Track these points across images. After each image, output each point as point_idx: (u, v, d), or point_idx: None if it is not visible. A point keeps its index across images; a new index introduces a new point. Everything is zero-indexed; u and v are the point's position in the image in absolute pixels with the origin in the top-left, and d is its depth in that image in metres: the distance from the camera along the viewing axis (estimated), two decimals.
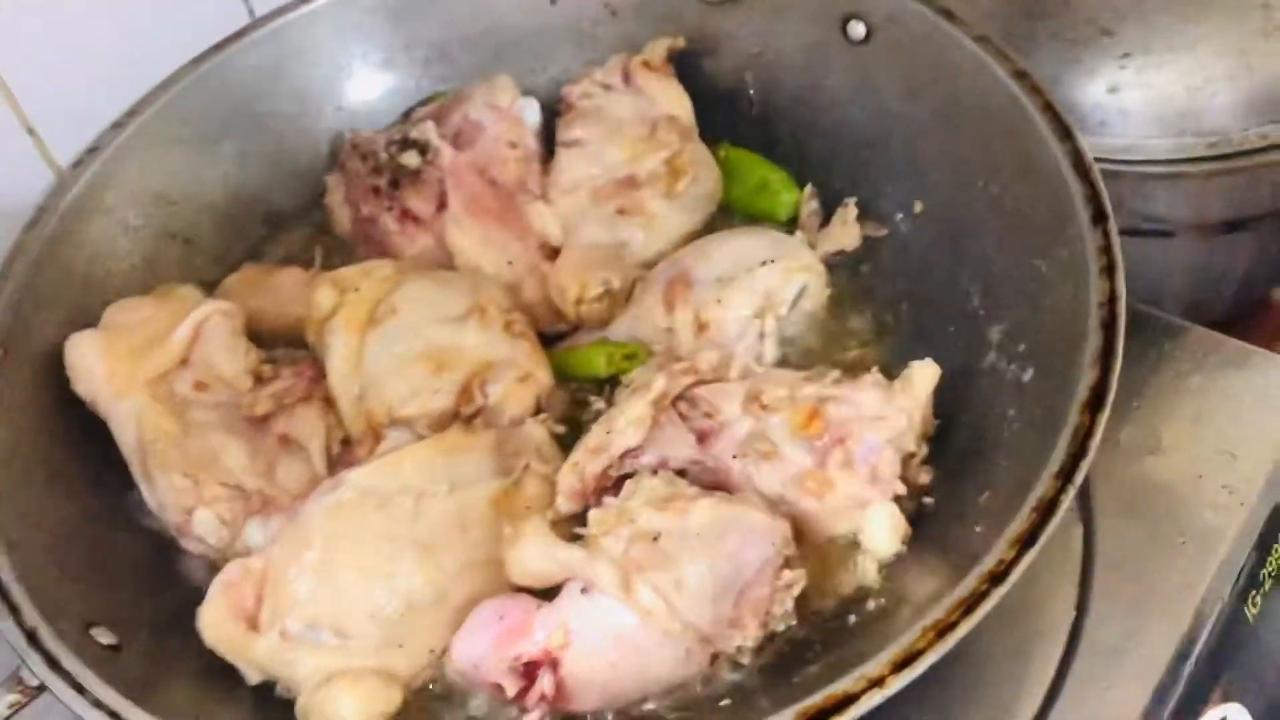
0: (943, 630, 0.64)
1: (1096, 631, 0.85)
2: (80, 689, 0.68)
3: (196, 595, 0.80)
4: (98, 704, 0.68)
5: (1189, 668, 0.84)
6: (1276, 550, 0.92)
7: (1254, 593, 0.90)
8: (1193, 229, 1.26)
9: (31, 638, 0.71)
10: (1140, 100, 1.16)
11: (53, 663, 0.70)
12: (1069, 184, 0.82)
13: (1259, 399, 0.95)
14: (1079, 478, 0.68)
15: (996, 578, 0.66)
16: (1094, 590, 0.87)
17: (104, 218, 0.98)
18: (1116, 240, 0.78)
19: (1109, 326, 0.74)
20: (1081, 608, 0.86)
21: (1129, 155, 1.15)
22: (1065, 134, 0.84)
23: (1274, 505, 0.92)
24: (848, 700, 0.62)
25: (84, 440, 0.88)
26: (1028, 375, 0.80)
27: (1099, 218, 0.79)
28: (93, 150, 0.98)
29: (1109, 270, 0.76)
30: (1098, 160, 0.84)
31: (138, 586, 0.83)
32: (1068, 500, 0.67)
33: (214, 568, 0.84)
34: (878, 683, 0.62)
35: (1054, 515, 0.67)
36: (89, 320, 0.92)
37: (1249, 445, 0.93)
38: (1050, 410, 0.74)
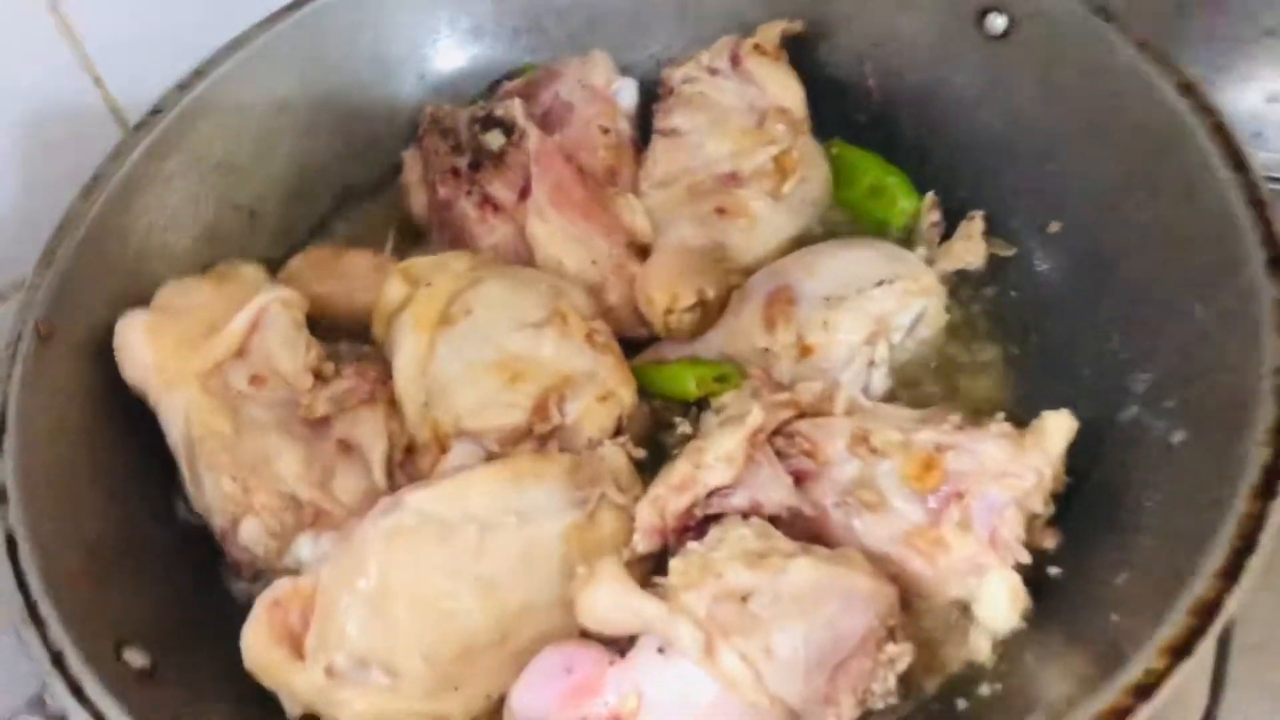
0: None
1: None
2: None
3: (240, 609, 0.74)
4: None
5: None
6: None
7: None
8: None
9: (57, 660, 0.65)
10: None
11: (77, 691, 0.64)
12: (1239, 220, 0.71)
13: None
14: (1246, 579, 0.59)
15: (1143, 691, 0.57)
16: (1229, 677, 0.77)
17: (164, 186, 0.91)
18: None
19: None
20: (1215, 695, 0.76)
21: None
22: (1239, 163, 0.73)
23: None
24: None
25: (131, 432, 0.82)
26: (1177, 438, 0.71)
27: (1277, 265, 0.69)
28: (156, 112, 0.91)
29: None
30: None
31: (179, 595, 0.77)
32: (1231, 605, 0.58)
33: (260, 576, 0.78)
34: None
35: (1214, 621, 0.58)
36: (142, 298, 0.86)
37: None
38: (1208, 487, 0.64)
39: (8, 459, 0.73)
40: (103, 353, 0.83)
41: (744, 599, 0.67)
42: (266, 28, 0.95)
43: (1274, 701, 0.75)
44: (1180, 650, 0.57)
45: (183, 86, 0.92)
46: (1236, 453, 0.63)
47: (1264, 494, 0.61)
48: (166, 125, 0.91)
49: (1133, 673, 0.57)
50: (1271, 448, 0.62)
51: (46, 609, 0.67)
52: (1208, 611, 0.58)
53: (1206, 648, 0.57)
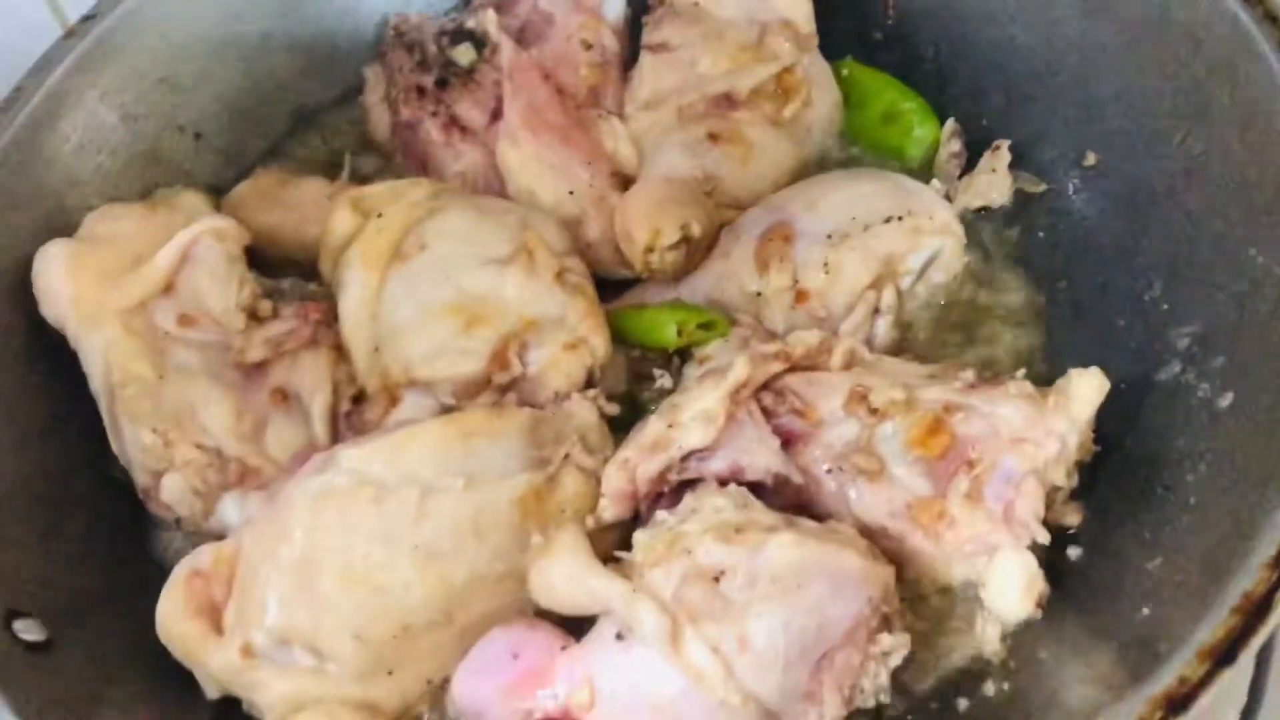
0: None
1: None
2: None
3: (164, 574, 0.66)
4: None
5: None
6: None
7: None
8: None
9: None
10: None
11: None
12: None
13: None
14: None
15: (1176, 704, 0.48)
16: (1267, 692, 0.68)
17: (97, 102, 0.82)
18: None
19: None
20: (1255, 696, 0.67)
21: None
22: None
23: None
24: None
25: (53, 375, 0.74)
26: (1225, 401, 0.62)
27: None
28: (89, 19, 0.82)
29: None
30: None
31: (94, 557, 0.70)
32: None
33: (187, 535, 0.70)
34: None
35: (1264, 621, 0.49)
36: (71, 228, 0.77)
37: None
38: (1260, 460, 0.55)
39: None
40: (24, 287, 0.75)
41: (716, 579, 0.58)
42: None
43: None
44: (1222, 655, 0.48)
45: None
46: None
47: None
48: (100, 34, 0.82)
49: (1165, 680, 0.48)
50: None
51: None
52: (1256, 609, 0.49)
53: (1251, 652, 0.48)
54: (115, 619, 0.66)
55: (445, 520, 0.63)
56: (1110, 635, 0.56)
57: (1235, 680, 0.66)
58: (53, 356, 0.75)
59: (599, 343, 0.72)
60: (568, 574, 0.61)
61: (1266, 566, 0.50)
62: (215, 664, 0.62)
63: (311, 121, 0.92)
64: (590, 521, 0.66)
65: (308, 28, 0.91)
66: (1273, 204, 0.63)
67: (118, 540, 0.72)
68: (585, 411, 0.70)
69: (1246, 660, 0.62)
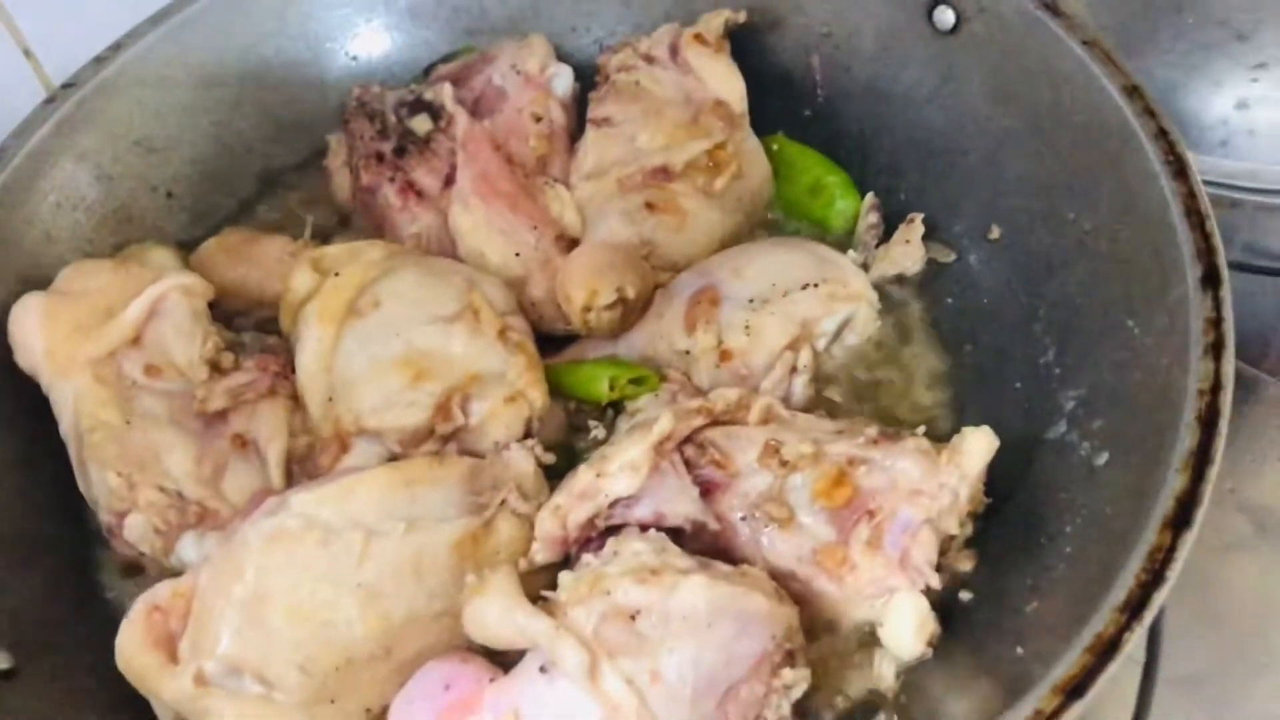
0: None
1: None
2: None
3: (120, 611, 0.71)
4: None
5: None
6: None
7: None
8: None
9: None
10: (1272, 119, 1.00)
11: None
12: (1178, 233, 0.68)
13: None
14: (1149, 615, 0.56)
15: None
16: (1153, 706, 0.74)
17: (76, 163, 0.88)
18: (1230, 313, 0.64)
19: (1209, 424, 0.60)
20: None
21: (1251, 182, 1.01)
22: (1180, 170, 0.70)
23: None
24: None
25: (21, 418, 0.79)
26: (1102, 460, 0.67)
27: (1211, 281, 0.65)
28: (68, 86, 0.88)
29: (1216, 350, 0.63)
30: (1213, 185, 0.69)
31: (56, 592, 0.74)
32: (1130, 643, 0.55)
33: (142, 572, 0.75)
34: None
35: (1112, 660, 0.55)
36: (47, 280, 0.82)
37: None
38: (1123, 514, 0.61)
39: None
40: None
41: (633, 618, 0.63)
42: (191, 0, 0.92)
43: None
44: (1074, 689, 0.54)
45: (99, 60, 0.89)
46: (1155, 477, 0.60)
47: (1176, 524, 0.58)
48: (79, 99, 0.88)
49: (1022, 711, 0.54)
50: (1188, 474, 0.59)
51: None
52: (1105, 651, 0.55)
53: (1099, 688, 0.54)
54: (78, 650, 0.70)
55: (387, 562, 0.68)
56: (992, 671, 0.61)
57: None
58: (24, 399, 0.79)
59: (537, 396, 0.77)
60: (498, 612, 0.66)
61: (1117, 610, 0.56)
62: (170, 691, 0.66)
63: (276, 183, 0.97)
64: (523, 564, 0.71)
65: (275, 95, 0.97)
66: (1146, 278, 0.69)
67: (83, 577, 0.76)
68: (522, 460, 0.75)
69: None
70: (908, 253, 0.85)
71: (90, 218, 0.88)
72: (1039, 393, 0.75)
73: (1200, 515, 0.58)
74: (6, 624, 0.68)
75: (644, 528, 0.70)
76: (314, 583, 0.67)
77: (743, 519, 0.71)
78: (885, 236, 0.87)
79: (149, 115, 0.91)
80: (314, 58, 0.98)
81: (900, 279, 0.85)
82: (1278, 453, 0.84)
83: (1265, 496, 0.83)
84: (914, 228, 0.85)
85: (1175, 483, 0.59)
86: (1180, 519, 0.58)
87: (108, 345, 0.78)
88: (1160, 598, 0.56)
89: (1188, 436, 0.60)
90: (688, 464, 0.72)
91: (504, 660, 0.67)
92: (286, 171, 0.98)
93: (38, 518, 0.77)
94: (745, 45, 0.94)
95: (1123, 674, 0.73)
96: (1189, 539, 0.57)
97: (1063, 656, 0.55)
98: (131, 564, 0.77)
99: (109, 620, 0.70)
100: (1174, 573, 0.56)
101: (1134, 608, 0.56)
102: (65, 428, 0.78)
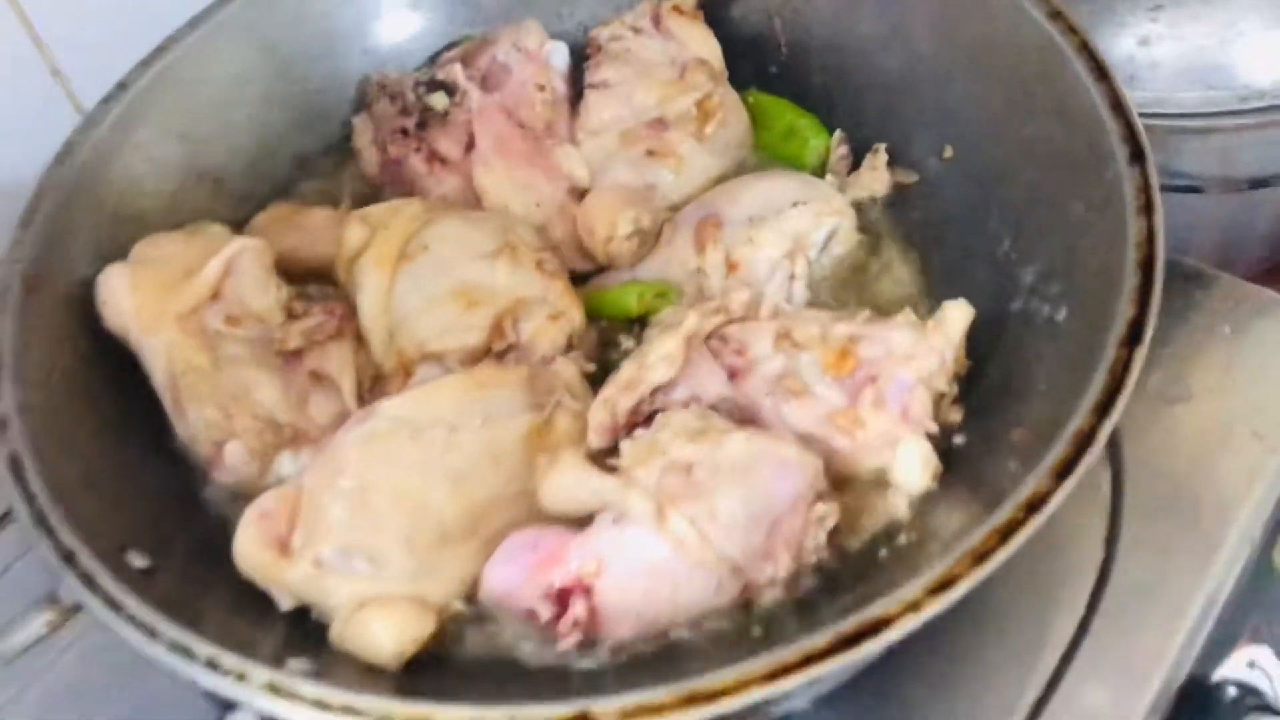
0: (979, 557, 0.64)
1: (1125, 575, 0.85)
2: (116, 606, 0.68)
3: (225, 529, 0.81)
4: (133, 620, 0.68)
5: (1217, 610, 0.84)
6: None
7: None
8: (1221, 185, 1.25)
9: (69, 559, 0.71)
10: (1171, 53, 1.15)
11: (89, 581, 0.70)
12: (1105, 124, 0.81)
13: None
14: (1117, 411, 0.68)
15: (1033, 506, 0.66)
16: (1123, 535, 0.87)
17: (133, 153, 0.98)
18: (1155, 178, 0.77)
19: (1147, 265, 0.74)
20: (1110, 551, 0.86)
21: (1159, 109, 1.15)
22: (1101, 74, 0.83)
23: None
24: (884, 623, 0.62)
25: (117, 374, 0.88)
26: (1061, 315, 0.80)
27: (1137, 156, 0.79)
28: (122, 86, 0.98)
29: (1147, 208, 0.76)
30: None
31: (169, 517, 0.83)
32: (1106, 431, 0.67)
33: (244, 500, 0.84)
34: (913, 606, 0.63)
35: (1092, 446, 0.67)
36: (119, 256, 0.92)
37: (1278, 395, 0.93)
38: (1086, 347, 0.73)
39: (7, 393, 0.79)
40: (86, 306, 0.89)
41: (688, 470, 0.75)
42: (221, 6, 1.03)
43: (1161, 554, 0.85)
44: (1064, 471, 0.66)
45: (145, 63, 0.99)
46: (1108, 314, 0.73)
47: (1131, 341, 0.70)
48: (131, 99, 0.98)
49: (1024, 493, 0.66)
50: (1135, 305, 0.72)
51: (55, 518, 0.73)
52: (1086, 440, 0.67)
53: (1085, 467, 0.66)
54: (199, 557, 0.80)
55: (469, 452, 0.79)
56: (988, 485, 0.73)
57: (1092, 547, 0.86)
58: (111, 362, 0.89)
59: (575, 314, 0.89)
60: (572, 479, 0.77)
61: (1092, 411, 0.68)
62: (292, 577, 0.76)
63: (308, 167, 1.08)
64: (581, 450, 0.82)
65: (302, 88, 1.08)
66: (1083, 166, 0.82)
67: (186, 503, 0.86)
68: (569, 370, 0.87)
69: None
70: (875, 178, 0.98)
71: (151, 203, 0.98)
72: (1001, 276, 0.87)
73: (1148, 334, 0.71)
74: (141, 531, 0.77)
75: (684, 406, 0.81)
76: (409, 472, 0.77)
77: (766, 395, 0.82)
78: (854, 166, 1.00)
79: (191, 111, 1.01)
80: (330, 53, 1.09)
81: (871, 201, 0.98)
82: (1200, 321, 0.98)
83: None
84: (878, 156, 0.98)
85: (1127, 312, 0.72)
86: (1133, 337, 0.70)
87: (191, 301, 0.87)
88: (1123, 400, 0.69)
89: (1133, 275, 0.73)
90: (712, 354, 0.84)
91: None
92: (315, 156, 1.08)
93: (143, 457, 0.86)
94: (715, 15, 1.07)
95: (1096, 507, 0.88)
96: (1141, 353, 0.70)
97: (1050, 451, 0.68)
98: (230, 492, 0.86)
99: (222, 536, 0.80)
100: (1132, 378, 0.69)
101: (1104, 408, 0.68)
102: (159, 379, 0.87)
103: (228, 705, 0.68)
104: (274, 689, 0.64)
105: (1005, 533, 0.65)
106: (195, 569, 0.79)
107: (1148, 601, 0.84)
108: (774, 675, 0.61)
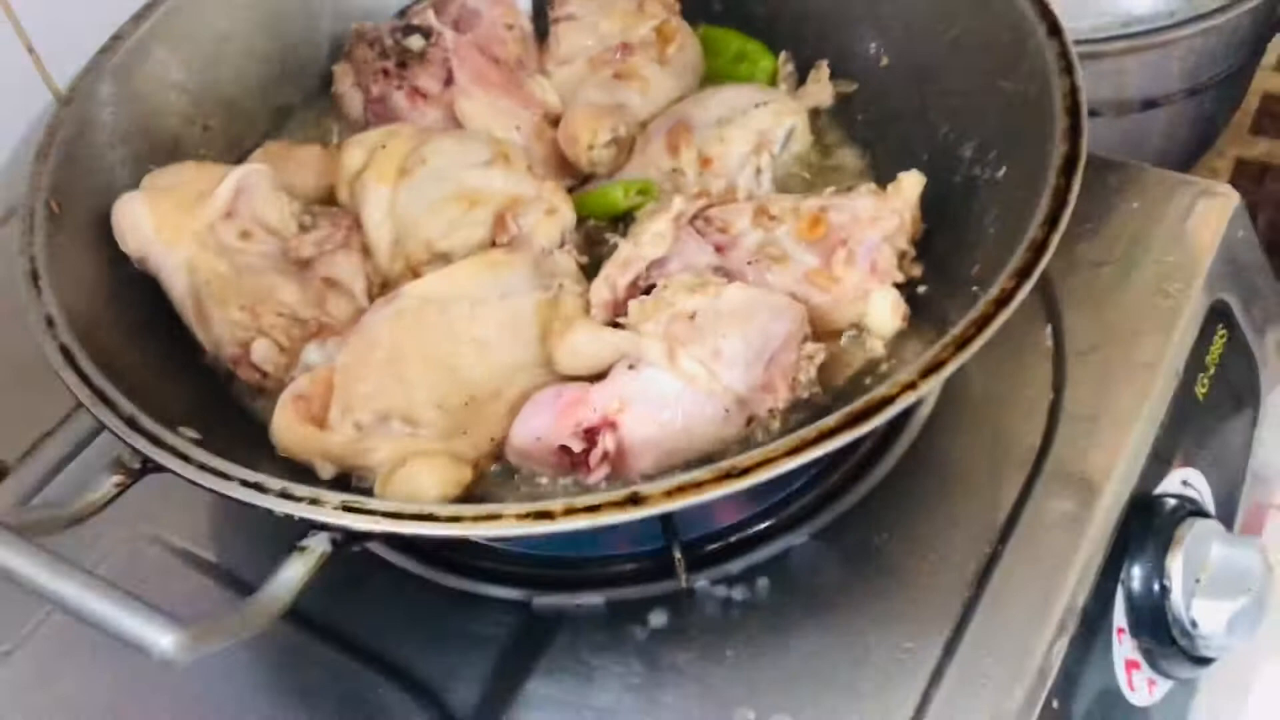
0: (960, 344, 0.74)
1: (1073, 407, 0.96)
2: (186, 457, 0.74)
3: (258, 424, 0.87)
4: (205, 467, 0.73)
5: (1154, 435, 0.96)
6: (1216, 339, 1.04)
7: (1201, 375, 1.02)
8: (1115, 108, 1.39)
9: (132, 423, 0.76)
10: None
11: (156, 440, 0.75)
12: (1023, 9, 0.93)
13: (1196, 220, 1.08)
14: (1063, 224, 0.79)
15: (1001, 302, 0.76)
16: (1068, 375, 0.98)
17: (130, 103, 1.03)
18: (1071, 45, 0.89)
19: (1073, 110, 0.85)
20: (1058, 388, 0.97)
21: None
22: None
23: (1211, 302, 1.05)
24: (887, 400, 0.71)
25: (141, 291, 0.94)
26: (1001, 172, 0.91)
27: (1054, 30, 0.91)
28: (117, 39, 1.04)
29: (1068, 69, 0.88)
30: None
31: (205, 412, 0.88)
32: (1056, 239, 0.78)
33: (271, 397, 0.90)
34: (910, 386, 0.72)
35: (1045, 253, 0.78)
36: (127, 189, 0.97)
37: (1184, 256, 1.06)
38: (1030, 186, 0.84)
39: (47, 298, 0.84)
40: (104, 230, 0.94)
41: (691, 317, 0.83)
42: None
43: (1102, 388, 0.96)
44: (1023, 273, 0.76)
45: (138, 17, 1.06)
46: (1044, 153, 0.84)
47: (1068, 171, 0.81)
48: (128, 49, 1.04)
49: (992, 293, 0.76)
50: (1068, 142, 0.83)
51: (112, 393, 0.78)
52: (1040, 248, 0.78)
53: (1039, 271, 0.77)
54: (239, 436, 0.85)
55: (491, 321, 0.86)
56: (955, 312, 0.83)
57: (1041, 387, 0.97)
58: (133, 280, 0.94)
59: (568, 210, 0.97)
60: (588, 336, 0.85)
61: (1041, 225, 0.79)
62: (334, 443, 0.82)
63: (290, 115, 1.15)
64: None
65: (278, 43, 1.15)
66: (1008, 48, 0.93)
67: (219, 404, 0.91)
68: (566, 260, 0.95)
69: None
70: (820, 89, 1.08)
71: (151, 145, 1.04)
72: (944, 155, 0.98)
73: (1081, 163, 0.82)
74: (189, 408, 0.83)
75: None
76: (438, 341, 0.84)
77: (750, 264, 0.91)
78: (800, 82, 1.10)
79: (182, 64, 1.08)
80: (304, 9, 1.16)
81: (818, 112, 1.09)
82: (1115, 200, 1.10)
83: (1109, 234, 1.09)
84: (821, 71, 1.09)
85: (1062, 147, 0.83)
86: (1068, 168, 0.82)
87: (207, 218, 0.93)
88: (1067, 215, 0.79)
89: (1062, 119, 0.84)
90: (698, 234, 0.93)
91: None
92: (296, 106, 1.16)
93: (178, 360, 0.91)
94: None
95: (1040, 354, 0.98)
96: (1077, 181, 0.81)
97: (1010, 260, 0.78)
98: (259, 390, 0.92)
99: (255, 432, 0.86)
100: (1072, 198, 0.80)
101: (1052, 221, 0.79)
102: (180, 293, 0.92)
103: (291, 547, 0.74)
104: (348, 508, 0.70)
105: (980, 324, 0.75)
106: (237, 453, 0.84)
107: (1094, 428, 0.95)
108: (795, 450, 0.70)
